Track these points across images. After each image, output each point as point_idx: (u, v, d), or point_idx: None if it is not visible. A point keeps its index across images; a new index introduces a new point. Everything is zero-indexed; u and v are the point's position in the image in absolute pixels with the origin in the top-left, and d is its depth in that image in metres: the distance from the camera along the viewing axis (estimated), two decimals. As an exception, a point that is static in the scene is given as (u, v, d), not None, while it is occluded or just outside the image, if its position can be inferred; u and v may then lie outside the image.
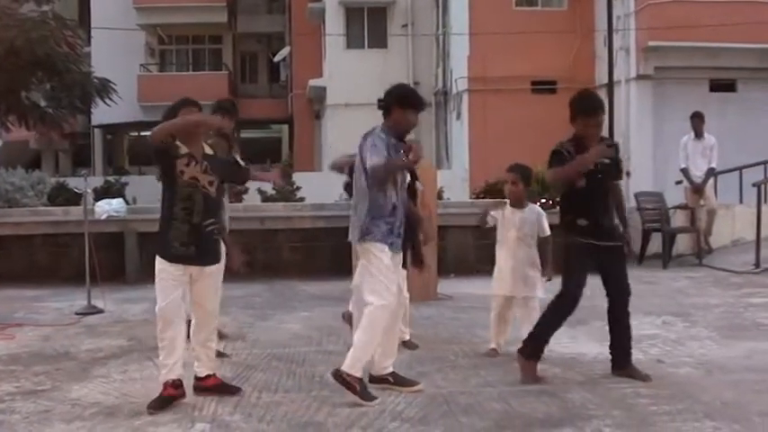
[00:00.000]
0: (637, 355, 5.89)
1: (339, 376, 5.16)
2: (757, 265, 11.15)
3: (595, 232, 5.58)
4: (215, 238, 5.21)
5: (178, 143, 5.04)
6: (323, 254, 11.40)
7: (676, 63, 18.52)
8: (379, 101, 5.47)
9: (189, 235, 5.03)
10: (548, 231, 6.41)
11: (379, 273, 5.23)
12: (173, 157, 5.03)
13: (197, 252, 5.06)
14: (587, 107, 5.66)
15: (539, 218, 6.42)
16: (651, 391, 5.37)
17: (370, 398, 5.14)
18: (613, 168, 5.74)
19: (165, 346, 5.08)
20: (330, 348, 6.78)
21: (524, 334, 6.09)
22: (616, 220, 5.77)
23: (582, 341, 6.81)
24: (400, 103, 5.38)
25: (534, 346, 5.70)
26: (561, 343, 6.69)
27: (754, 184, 12.03)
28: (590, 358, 6.21)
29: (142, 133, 34.63)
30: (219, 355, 6.05)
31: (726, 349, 6.61)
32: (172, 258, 5.04)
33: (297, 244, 11.59)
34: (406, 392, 5.37)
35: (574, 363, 6.13)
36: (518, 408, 5.05)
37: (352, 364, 5.17)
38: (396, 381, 5.49)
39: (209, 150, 5.28)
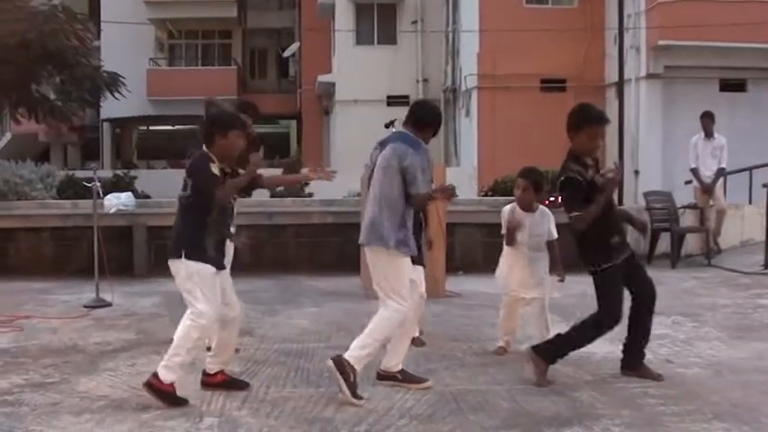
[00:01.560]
0: (647, 355, 5.87)
1: (340, 363, 5.14)
2: (766, 265, 11.10)
3: (623, 247, 5.56)
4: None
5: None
6: (331, 249, 11.40)
7: (686, 62, 18.48)
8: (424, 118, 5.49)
9: (221, 242, 5.12)
10: (555, 235, 6.34)
11: (406, 277, 5.28)
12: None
13: (222, 257, 5.16)
14: (596, 116, 5.53)
15: (548, 221, 6.36)
16: (660, 391, 5.35)
17: (358, 396, 5.12)
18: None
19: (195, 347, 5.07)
20: (339, 344, 6.74)
21: (537, 334, 6.14)
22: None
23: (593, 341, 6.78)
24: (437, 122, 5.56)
25: (559, 351, 5.60)
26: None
27: (764, 185, 11.97)
28: (599, 357, 6.19)
29: (151, 127, 34.80)
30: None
31: (735, 350, 6.59)
32: (209, 261, 5.02)
33: (305, 239, 11.58)
34: (414, 389, 5.36)
35: (583, 362, 6.11)
36: (526, 406, 5.04)
37: (358, 358, 5.17)
38: (404, 378, 5.48)
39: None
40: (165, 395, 4.95)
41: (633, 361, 5.68)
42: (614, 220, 5.57)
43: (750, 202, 13.51)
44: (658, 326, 7.43)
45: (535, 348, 5.65)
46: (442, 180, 9.17)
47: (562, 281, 6.27)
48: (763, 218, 11.64)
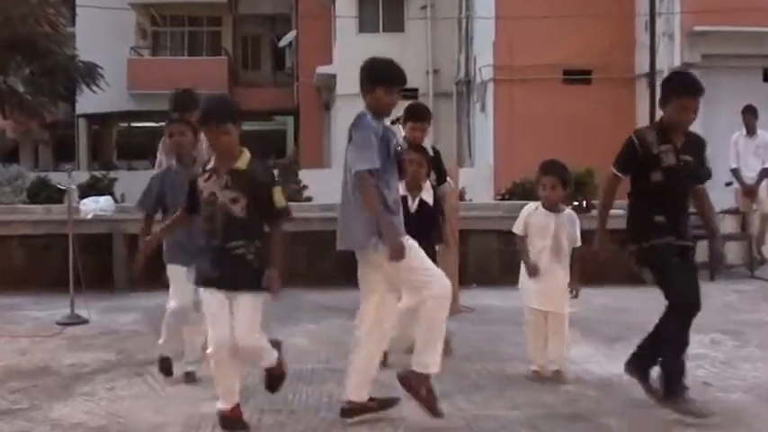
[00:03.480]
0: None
1: (406, 379, 5.10)
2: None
3: (673, 230, 5.44)
4: (248, 262, 4.99)
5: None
6: (332, 260, 11.37)
7: (725, 50, 18.45)
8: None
9: (213, 258, 5.01)
10: (579, 241, 6.30)
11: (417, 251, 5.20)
12: (192, 179, 5.19)
13: (221, 275, 4.97)
14: (688, 86, 5.47)
15: (574, 225, 6.32)
16: (697, 419, 5.32)
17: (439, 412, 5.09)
18: (695, 168, 5.56)
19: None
20: (339, 366, 6.74)
21: (552, 354, 6.18)
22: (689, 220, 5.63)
23: (620, 360, 6.75)
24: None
25: (674, 384, 5.38)
26: (597, 362, 6.66)
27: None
28: (628, 379, 6.15)
29: (132, 124, 34.85)
30: (188, 376, 6.22)
31: (782, 372, 6.55)
32: (200, 282, 5.12)
33: (303, 248, 11.56)
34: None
35: (610, 385, 6.09)
36: (549, 434, 5.02)
37: (425, 364, 5.10)
38: (379, 405, 5.37)
39: (242, 164, 5.03)
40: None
41: (638, 365, 5.67)
42: (672, 202, 5.47)
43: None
44: (696, 344, 7.40)
45: (662, 395, 5.44)
46: (456, 183, 9.17)
47: (575, 296, 6.26)
48: (813, 224, 11.62)
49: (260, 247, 5.01)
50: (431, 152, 6.96)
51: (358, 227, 5.15)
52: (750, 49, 18.37)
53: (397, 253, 4.86)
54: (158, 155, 7.14)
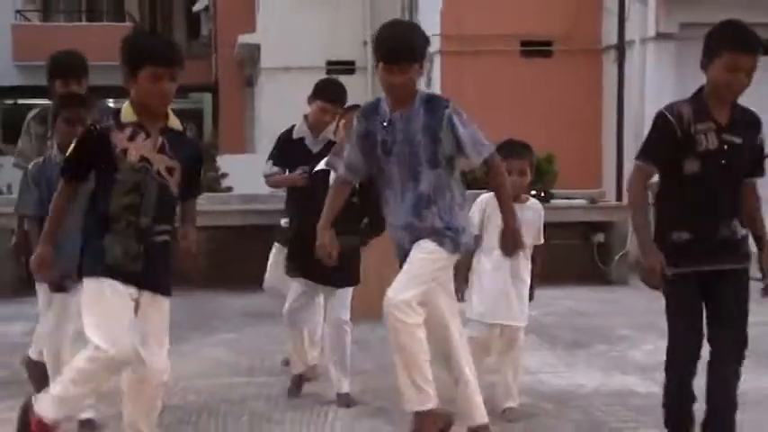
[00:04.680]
0: (649, 388, 5.99)
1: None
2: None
3: (702, 251, 4.55)
4: (169, 255, 4.57)
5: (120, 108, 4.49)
6: (254, 258, 11.35)
7: (708, 18, 18.43)
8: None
9: (131, 243, 4.38)
10: (542, 238, 5.94)
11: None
12: (100, 131, 4.45)
13: (144, 268, 4.40)
14: (743, 38, 4.58)
15: (540, 219, 5.96)
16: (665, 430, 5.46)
17: None
18: (749, 154, 4.65)
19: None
20: (262, 380, 6.80)
21: (509, 381, 5.82)
22: (742, 231, 4.65)
23: (580, 369, 6.91)
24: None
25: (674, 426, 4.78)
26: (556, 372, 6.79)
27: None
28: (589, 390, 6.30)
29: (20, 101, 34.36)
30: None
31: (766, 379, 6.64)
32: (105, 271, 4.33)
33: (221, 245, 11.55)
34: None
35: (569, 397, 6.21)
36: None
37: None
38: None
39: (176, 125, 4.60)
40: None
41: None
42: (709, 205, 4.55)
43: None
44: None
45: None
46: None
47: (530, 299, 5.92)
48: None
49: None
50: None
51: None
52: (739, 14, 18.57)
53: None
54: (20, 142, 6.62)
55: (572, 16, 20.57)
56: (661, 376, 6.57)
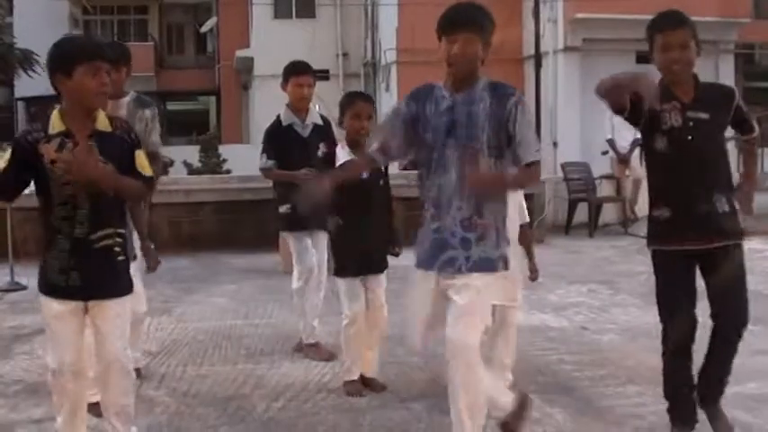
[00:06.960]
0: (561, 323, 5.98)
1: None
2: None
3: (685, 227, 3.80)
4: (115, 255, 3.54)
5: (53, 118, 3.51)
6: (249, 226, 11.30)
7: (604, 35, 18.73)
8: None
9: (69, 257, 3.47)
10: (527, 217, 4.75)
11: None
12: (29, 143, 3.46)
13: (83, 280, 3.47)
14: (663, 17, 3.89)
15: (521, 198, 4.68)
16: (575, 357, 5.47)
17: None
18: (715, 128, 3.86)
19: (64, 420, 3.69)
20: (257, 322, 6.75)
21: (503, 359, 4.63)
22: (725, 206, 3.79)
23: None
24: None
25: (676, 414, 4.00)
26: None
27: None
28: (521, 326, 6.27)
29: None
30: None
31: (650, 315, 6.64)
32: (48, 291, 3.54)
33: (223, 216, 11.46)
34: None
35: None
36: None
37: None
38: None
39: (104, 125, 3.52)
40: None
41: (703, 395, 3.98)
42: (673, 178, 3.83)
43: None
44: (575, 293, 7.66)
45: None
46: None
47: (535, 278, 5.05)
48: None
49: (123, 232, 3.63)
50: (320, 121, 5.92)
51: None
52: (626, 33, 18.59)
53: None
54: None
55: (500, 32, 20.42)
56: (570, 313, 6.66)
